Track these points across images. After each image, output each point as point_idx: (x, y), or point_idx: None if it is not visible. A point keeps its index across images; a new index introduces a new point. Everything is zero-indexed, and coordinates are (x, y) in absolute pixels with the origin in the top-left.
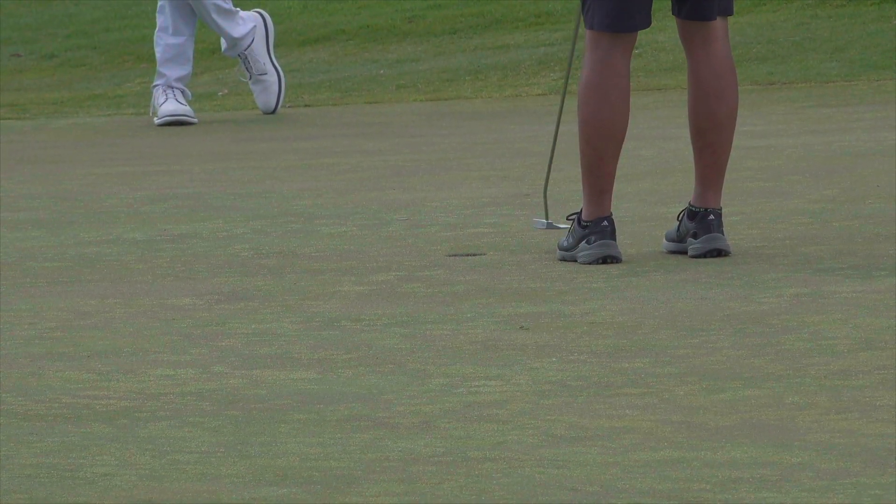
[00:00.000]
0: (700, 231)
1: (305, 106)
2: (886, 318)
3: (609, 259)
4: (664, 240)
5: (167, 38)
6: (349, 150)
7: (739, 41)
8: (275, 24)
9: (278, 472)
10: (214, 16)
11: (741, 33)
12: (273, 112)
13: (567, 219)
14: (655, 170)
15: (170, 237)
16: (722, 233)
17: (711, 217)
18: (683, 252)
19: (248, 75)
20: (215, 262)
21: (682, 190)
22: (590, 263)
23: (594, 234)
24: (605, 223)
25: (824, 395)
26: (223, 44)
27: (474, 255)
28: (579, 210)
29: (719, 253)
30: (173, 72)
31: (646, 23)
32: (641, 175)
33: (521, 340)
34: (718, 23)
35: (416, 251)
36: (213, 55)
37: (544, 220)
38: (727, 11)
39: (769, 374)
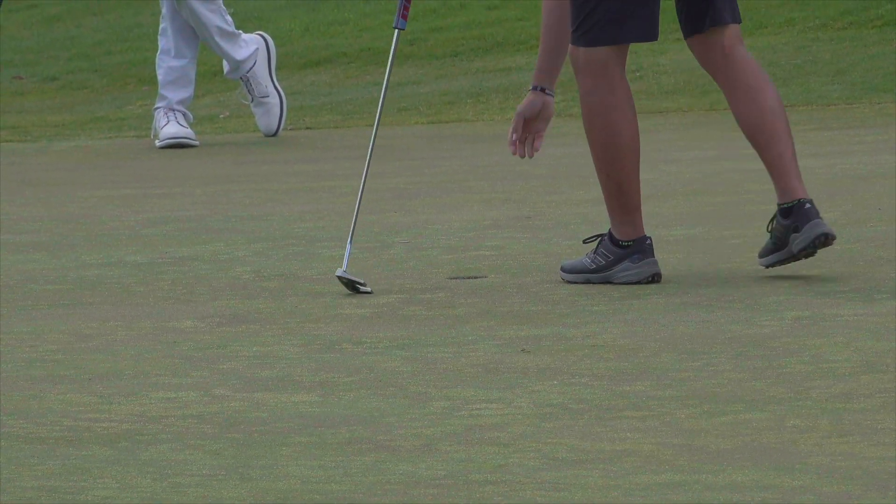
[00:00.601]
0: (801, 222)
1: (307, 128)
2: (888, 342)
3: (656, 277)
4: (759, 258)
5: (169, 60)
6: (351, 173)
7: None
8: (276, 46)
9: (279, 495)
10: (217, 38)
11: None
12: (275, 135)
13: (585, 242)
14: (657, 193)
15: (171, 260)
16: (822, 219)
17: (807, 205)
18: (787, 261)
19: (249, 98)
20: (217, 285)
21: (684, 213)
22: (636, 283)
23: (638, 252)
24: (649, 241)
25: (826, 418)
26: (225, 66)
27: (476, 277)
28: (604, 233)
29: (826, 238)
30: (175, 94)
31: (648, 33)
32: (643, 198)
33: (523, 363)
34: (735, 28)
35: (418, 274)
36: (214, 78)
37: (343, 269)
38: (739, 19)
39: (770, 397)
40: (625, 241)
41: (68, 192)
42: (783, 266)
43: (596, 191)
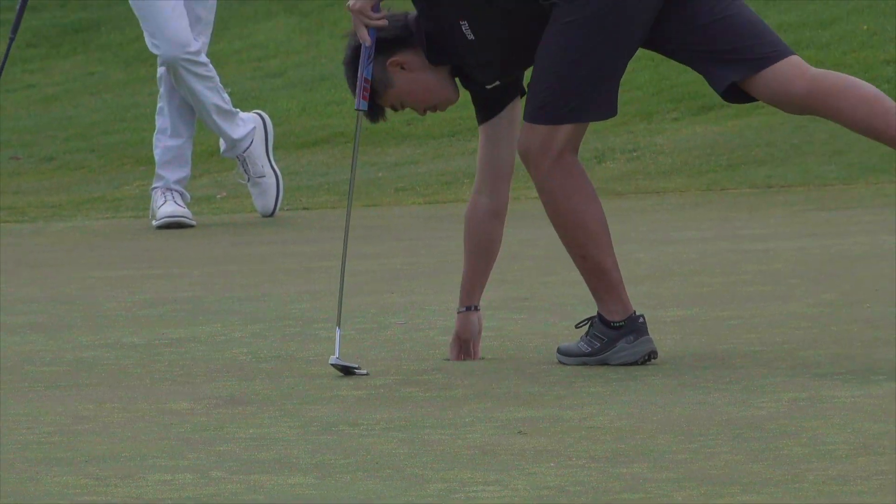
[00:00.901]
0: None
1: (304, 209)
2: (885, 423)
3: (652, 355)
4: None
5: (166, 139)
6: (348, 254)
7: (738, 144)
8: (274, 126)
9: None
10: (215, 116)
11: (740, 136)
12: (271, 215)
13: (577, 326)
14: (654, 274)
15: (168, 341)
16: None
17: None
18: None
19: (246, 177)
20: (213, 367)
21: (680, 294)
22: (633, 363)
23: (633, 331)
24: (641, 319)
25: (823, 500)
26: (222, 145)
27: (472, 359)
28: (594, 316)
29: None
30: (172, 174)
31: (611, 109)
32: (640, 279)
33: (520, 445)
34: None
35: (415, 355)
36: (211, 157)
37: (336, 356)
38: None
39: (768, 479)
40: (616, 322)
41: (65, 273)
42: (779, 348)
43: None
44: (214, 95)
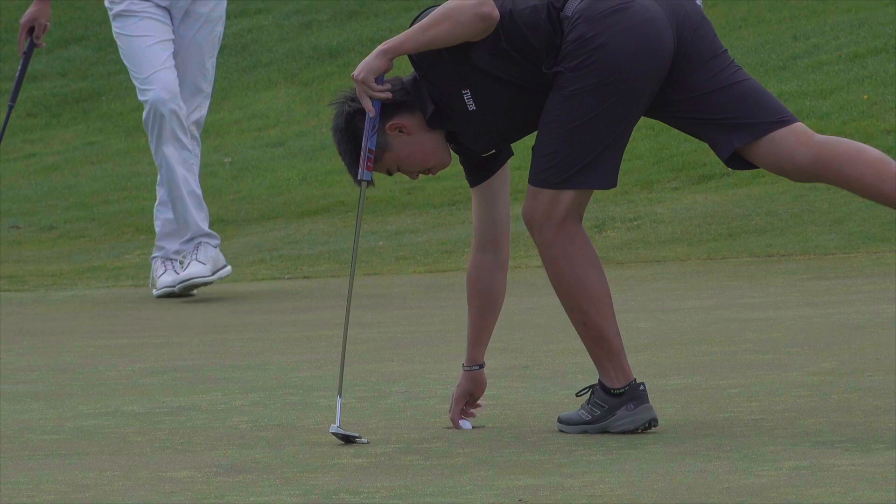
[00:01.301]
0: None
1: (304, 277)
2: (886, 492)
3: (653, 423)
4: None
5: (167, 213)
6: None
7: (738, 213)
8: (274, 195)
9: None
10: (185, 194)
11: (740, 205)
12: (174, 287)
13: (578, 395)
14: (654, 342)
15: (168, 409)
16: None
17: None
18: None
19: (183, 255)
20: (214, 435)
21: (681, 362)
22: (634, 431)
23: (633, 399)
24: (642, 387)
25: None
26: (158, 226)
27: (473, 427)
28: (595, 384)
29: None
30: (172, 244)
31: (612, 179)
32: (640, 347)
33: None
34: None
35: (415, 423)
36: (211, 227)
37: (337, 425)
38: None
39: None
40: (616, 390)
41: (66, 342)
42: (780, 416)
43: None
44: (190, 174)
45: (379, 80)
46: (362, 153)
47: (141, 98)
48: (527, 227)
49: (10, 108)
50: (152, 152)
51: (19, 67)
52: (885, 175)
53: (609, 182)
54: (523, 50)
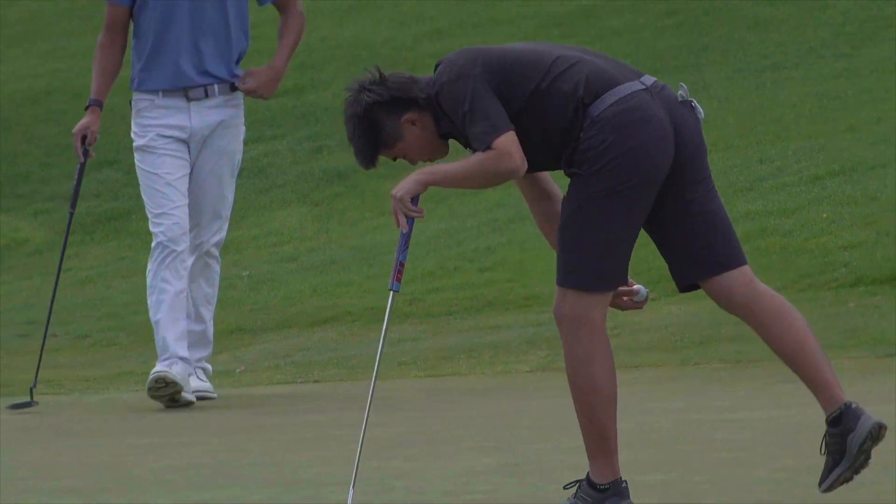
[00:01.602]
0: (852, 422)
1: (315, 381)
2: None
3: None
4: (820, 487)
5: (191, 324)
6: (355, 423)
7: (709, 322)
8: (287, 306)
9: None
10: (203, 309)
11: (711, 315)
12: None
13: (565, 488)
14: (634, 441)
15: (192, 503)
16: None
17: (853, 405)
18: (850, 470)
19: (194, 374)
20: None
21: (660, 461)
22: None
23: (615, 495)
24: (625, 484)
25: None
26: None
27: None
28: (583, 478)
29: (879, 429)
30: (195, 353)
31: (625, 276)
32: (621, 446)
33: None
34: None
35: None
36: (231, 335)
37: None
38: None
39: None
40: (602, 485)
41: (99, 441)
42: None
43: (580, 439)
44: (177, 304)
45: (414, 201)
46: (394, 265)
47: (152, 229)
48: (556, 325)
49: (71, 214)
50: (148, 273)
51: (76, 175)
52: (803, 345)
53: (621, 280)
54: (537, 126)
